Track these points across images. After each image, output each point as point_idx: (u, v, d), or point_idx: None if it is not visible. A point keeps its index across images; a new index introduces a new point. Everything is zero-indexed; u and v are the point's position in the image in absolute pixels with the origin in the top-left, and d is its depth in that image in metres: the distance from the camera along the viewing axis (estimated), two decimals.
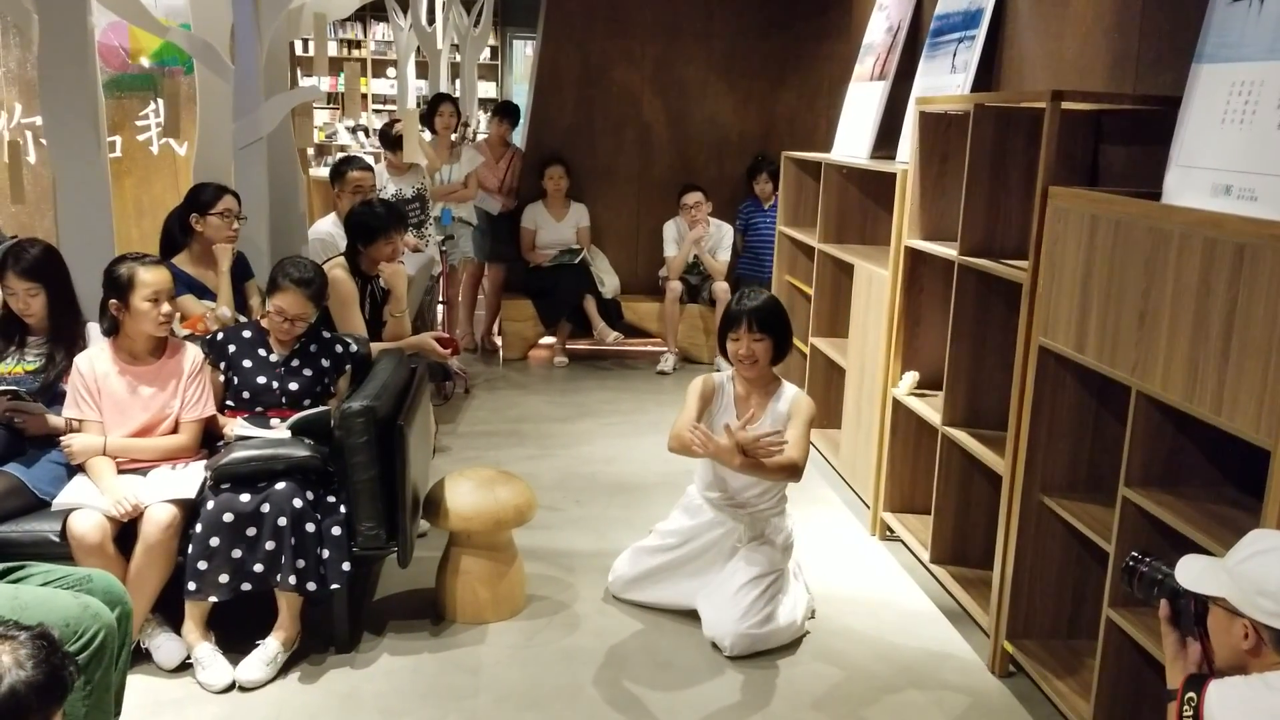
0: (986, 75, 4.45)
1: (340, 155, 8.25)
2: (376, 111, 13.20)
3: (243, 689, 3.03)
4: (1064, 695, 2.97)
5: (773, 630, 3.35)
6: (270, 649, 3.11)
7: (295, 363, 3.51)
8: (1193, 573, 2.01)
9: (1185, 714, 1.87)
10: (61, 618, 2.23)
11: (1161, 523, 2.52)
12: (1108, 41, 3.59)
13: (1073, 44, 3.83)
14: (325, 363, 3.56)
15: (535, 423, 5.73)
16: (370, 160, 5.84)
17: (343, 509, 3.21)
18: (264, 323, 3.51)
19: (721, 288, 6.87)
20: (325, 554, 3.15)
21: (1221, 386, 2.26)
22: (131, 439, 3.22)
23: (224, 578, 3.06)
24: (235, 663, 3.10)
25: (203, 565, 3.04)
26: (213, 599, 3.07)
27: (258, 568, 3.07)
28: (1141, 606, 2.53)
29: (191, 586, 3.06)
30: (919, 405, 4.00)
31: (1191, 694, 1.88)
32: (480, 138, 8.39)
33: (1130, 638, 2.65)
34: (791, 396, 3.50)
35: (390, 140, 6.16)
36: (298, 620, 3.18)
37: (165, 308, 3.22)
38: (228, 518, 3.05)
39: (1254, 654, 1.87)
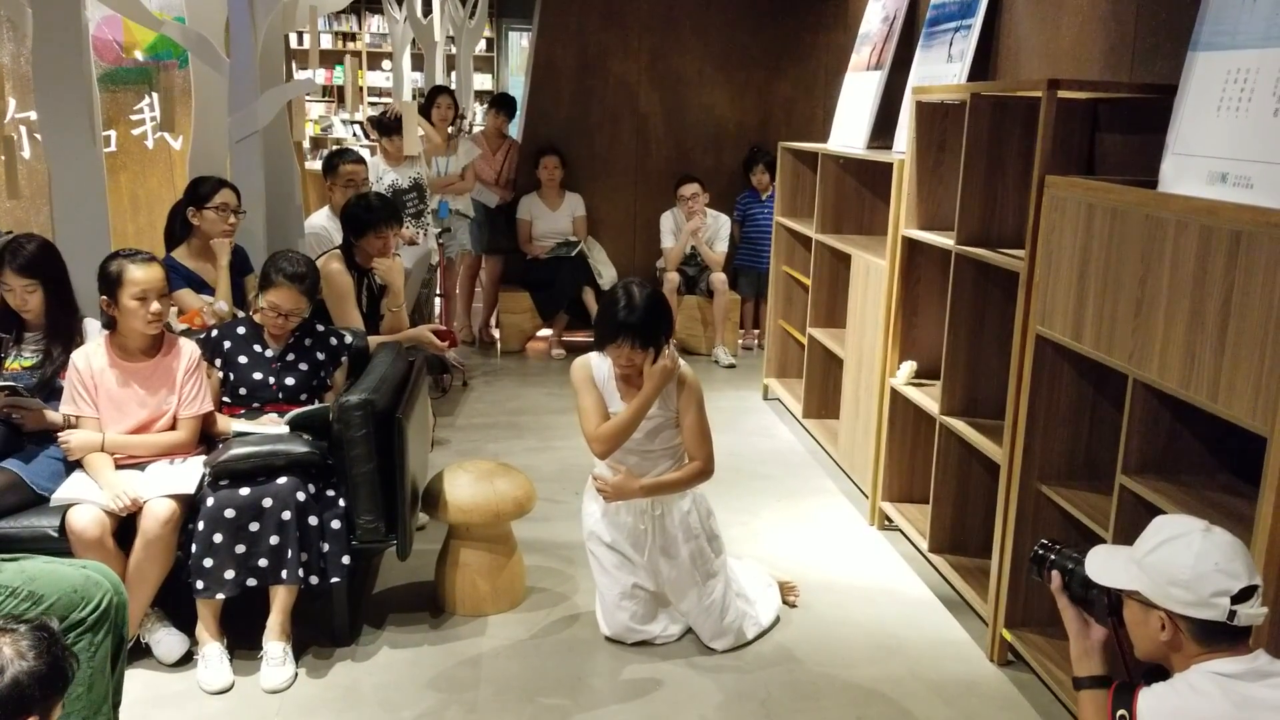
0: (983, 64, 4.45)
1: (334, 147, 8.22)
2: (372, 104, 13.18)
3: (273, 692, 3.03)
4: (1062, 683, 2.97)
5: (739, 615, 3.32)
6: (277, 650, 3.10)
7: (290, 357, 3.51)
8: (1102, 565, 1.98)
9: None
10: (69, 585, 2.31)
11: (1159, 510, 2.52)
12: (1104, 30, 3.58)
13: (1069, 32, 3.83)
14: (320, 356, 3.56)
15: (534, 414, 5.74)
16: (365, 153, 5.80)
17: (342, 503, 3.21)
18: (257, 318, 3.51)
19: (719, 279, 6.87)
20: (325, 548, 3.15)
21: (1218, 374, 2.26)
22: (129, 435, 3.21)
23: (230, 573, 3.05)
24: (236, 661, 3.11)
25: (208, 563, 3.04)
26: (221, 596, 3.07)
27: (262, 562, 3.07)
28: None
29: (200, 585, 3.05)
30: (917, 395, 4.01)
31: (1123, 711, 1.85)
32: (477, 130, 8.37)
33: None
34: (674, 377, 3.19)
35: (386, 126, 6.05)
36: (290, 615, 3.16)
37: (155, 306, 3.17)
38: (229, 513, 3.05)
39: (1173, 646, 1.84)
